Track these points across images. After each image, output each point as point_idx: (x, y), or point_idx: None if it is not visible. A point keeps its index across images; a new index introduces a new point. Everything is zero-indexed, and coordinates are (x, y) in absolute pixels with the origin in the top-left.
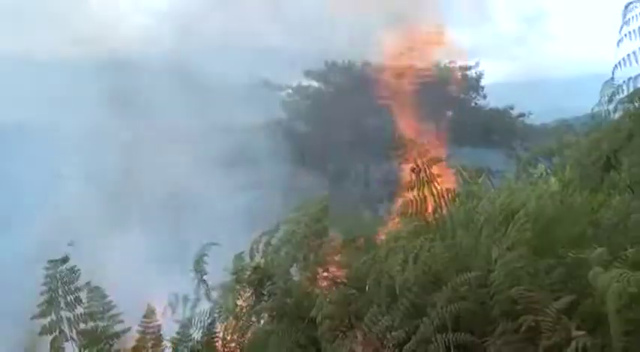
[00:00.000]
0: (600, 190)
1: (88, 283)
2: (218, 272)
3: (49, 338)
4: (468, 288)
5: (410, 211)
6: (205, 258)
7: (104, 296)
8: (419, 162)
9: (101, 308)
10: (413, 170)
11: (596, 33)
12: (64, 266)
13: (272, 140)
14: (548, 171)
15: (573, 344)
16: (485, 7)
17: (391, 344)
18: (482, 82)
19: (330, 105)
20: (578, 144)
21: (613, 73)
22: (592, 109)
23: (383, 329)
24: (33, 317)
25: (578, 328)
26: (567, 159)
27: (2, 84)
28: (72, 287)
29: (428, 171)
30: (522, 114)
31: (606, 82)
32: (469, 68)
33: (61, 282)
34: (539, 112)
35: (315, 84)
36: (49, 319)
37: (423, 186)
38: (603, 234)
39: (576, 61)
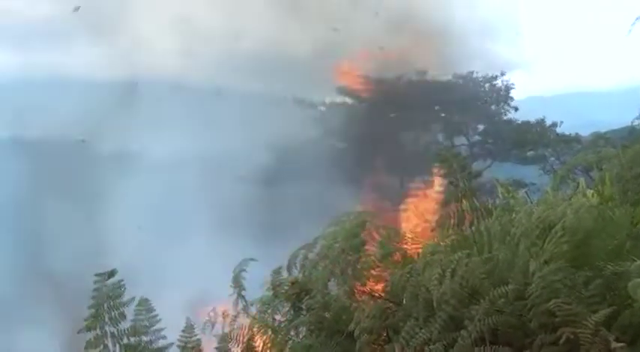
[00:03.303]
0: None
1: (133, 298)
2: (256, 286)
3: None
4: (506, 301)
5: (447, 225)
6: (244, 273)
7: (151, 310)
8: (458, 176)
9: (147, 323)
10: (452, 183)
11: (630, 47)
12: (111, 280)
13: (308, 157)
14: (586, 184)
15: None
16: (519, 22)
17: None
18: (516, 96)
19: (365, 121)
20: (618, 158)
21: None
22: (632, 122)
23: (421, 343)
24: (79, 332)
25: (618, 340)
26: (606, 173)
27: (39, 99)
28: (117, 302)
29: (467, 185)
30: (555, 124)
31: None
32: (496, 78)
33: (107, 296)
34: (574, 125)
35: (348, 100)
36: (93, 334)
37: (461, 199)
38: None
39: (610, 74)
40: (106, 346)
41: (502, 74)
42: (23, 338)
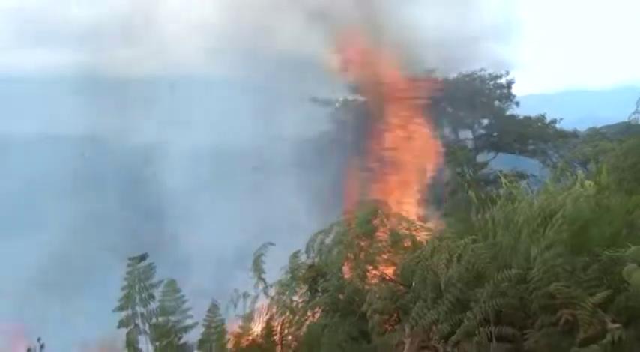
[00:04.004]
0: (636, 193)
1: (162, 280)
2: (275, 269)
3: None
4: (509, 284)
5: (454, 212)
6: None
7: (177, 291)
8: (464, 167)
9: (174, 303)
10: (457, 174)
11: (627, 46)
12: (142, 263)
13: (321, 149)
14: (584, 175)
15: (609, 336)
16: (521, 25)
17: (437, 337)
18: (518, 93)
19: (376, 116)
20: (614, 150)
21: None
22: (629, 118)
23: (429, 323)
24: (114, 310)
25: (613, 321)
26: (603, 164)
27: (66, 96)
28: (147, 283)
29: (472, 176)
30: (554, 121)
31: None
32: (500, 77)
33: (138, 279)
34: (572, 121)
35: (360, 98)
36: (125, 313)
37: (467, 189)
38: (637, 234)
39: (607, 73)
40: (136, 325)
41: (507, 73)
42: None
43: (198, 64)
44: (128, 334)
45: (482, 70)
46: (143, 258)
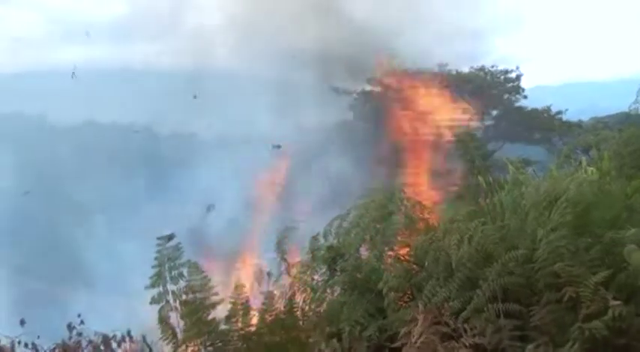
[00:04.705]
0: (635, 178)
1: (189, 260)
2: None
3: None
4: (516, 264)
5: (465, 196)
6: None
7: (200, 271)
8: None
9: (200, 282)
10: (468, 160)
11: (629, 40)
12: (170, 243)
13: (340, 137)
14: (587, 162)
15: (610, 312)
16: (528, 17)
17: (448, 313)
18: (525, 86)
19: (391, 108)
20: (615, 138)
21: None
22: (629, 108)
23: (441, 300)
24: (146, 288)
25: (615, 298)
26: (605, 152)
27: (104, 89)
28: (176, 263)
29: (482, 163)
30: (560, 112)
31: None
32: (510, 71)
33: (167, 258)
34: (576, 112)
35: (377, 89)
36: (157, 291)
37: (477, 175)
38: (637, 217)
39: (609, 66)
40: (167, 302)
41: (517, 68)
42: None
43: (224, 58)
44: (160, 310)
45: (493, 66)
46: (170, 237)
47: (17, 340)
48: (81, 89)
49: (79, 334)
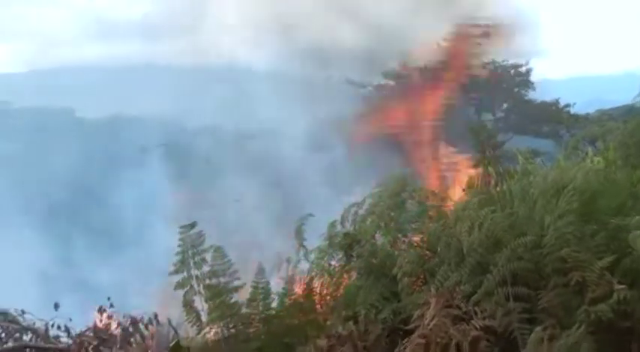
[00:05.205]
0: None
1: (212, 245)
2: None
3: (182, 292)
4: (525, 250)
5: (476, 185)
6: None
7: (224, 256)
8: (485, 145)
9: (223, 267)
10: (479, 150)
11: (634, 34)
12: (193, 231)
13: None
14: (593, 152)
15: (615, 295)
16: (536, 16)
17: (460, 297)
18: (534, 80)
19: (404, 100)
20: (620, 129)
21: None
22: (634, 99)
23: (452, 284)
24: (170, 274)
25: (619, 282)
26: (610, 142)
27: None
28: (199, 249)
29: (492, 153)
30: (568, 105)
31: None
32: (520, 66)
33: (191, 245)
34: (582, 104)
35: (391, 82)
36: (181, 276)
37: (488, 164)
38: None
39: (614, 59)
40: (192, 286)
41: (526, 63)
42: None
43: (246, 53)
44: (185, 295)
45: (504, 60)
46: (193, 225)
47: (51, 323)
48: (109, 84)
49: (109, 317)
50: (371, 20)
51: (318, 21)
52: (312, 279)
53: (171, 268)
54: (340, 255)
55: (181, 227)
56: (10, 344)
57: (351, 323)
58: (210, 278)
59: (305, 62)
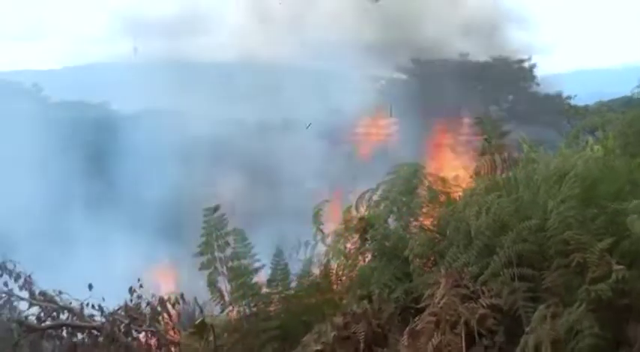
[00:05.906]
0: (638, 155)
1: (234, 228)
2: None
3: (207, 272)
4: (529, 233)
5: (483, 172)
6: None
7: (244, 239)
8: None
9: (244, 249)
10: (486, 140)
11: (633, 28)
12: (216, 214)
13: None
14: (593, 141)
15: (614, 275)
16: (540, 12)
17: (468, 277)
18: (538, 73)
19: (418, 94)
20: (619, 119)
21: None
22: (632, 91)
23: (461, 265)
24: (194, 255)
25: (618, 263)
26: (609, 132)
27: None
28: (222, 232)
29: (498, 142)
30: (569, 97)
31: None
32: (525, 61)
33: (214, 228)
34: (584, 97)
35: (403, 76)
36: (205, 258)
37: (494, 153)
38: (639, 190)
39: (614, 53)
40: (215, 268)
41: (529, 58)
42: None
43: (263, 49)
44: (209, 275)
45: (508, 56)
46: (216, 209)
47: (85, 302)
48: (139, 80)
49: (139, 296)
50: (385, 14)
51: (334, 17)
52: (328, 261)
53: (197, 250)
54: (355, 238)
55: (205, 210)
56: (49, 322)
57: (365, 302)
58: (232, 261)
59: (324, 56)
